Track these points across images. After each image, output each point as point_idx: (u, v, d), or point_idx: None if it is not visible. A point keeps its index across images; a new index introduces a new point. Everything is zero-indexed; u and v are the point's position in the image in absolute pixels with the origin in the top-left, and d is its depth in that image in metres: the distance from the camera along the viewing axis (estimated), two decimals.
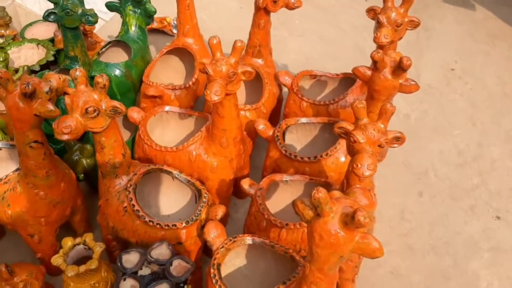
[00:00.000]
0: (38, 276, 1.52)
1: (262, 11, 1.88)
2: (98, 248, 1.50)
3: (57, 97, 1.38)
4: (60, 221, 1.62)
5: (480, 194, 2.09)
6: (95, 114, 1.34)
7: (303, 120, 1.83)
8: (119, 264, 1.41)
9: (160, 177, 1.66)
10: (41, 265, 1.60)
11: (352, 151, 1.31)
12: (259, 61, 2.02)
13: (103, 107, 1.36)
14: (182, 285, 1.37)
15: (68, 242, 1.50)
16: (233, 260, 1.46)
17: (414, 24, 1.70)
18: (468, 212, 2.03)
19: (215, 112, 1.58)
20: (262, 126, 1.80)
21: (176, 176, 1.62)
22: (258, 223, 1.55)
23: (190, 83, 2.01)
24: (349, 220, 0.98)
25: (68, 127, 1.30)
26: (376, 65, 1.50)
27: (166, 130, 1.87)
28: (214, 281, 1.32)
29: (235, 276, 1.47)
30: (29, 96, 1.28)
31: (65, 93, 1.38)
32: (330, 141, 1.79)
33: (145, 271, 1.41)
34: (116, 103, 1.36)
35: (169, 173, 1.63)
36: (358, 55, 2.74)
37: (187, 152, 1.70)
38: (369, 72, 1.53)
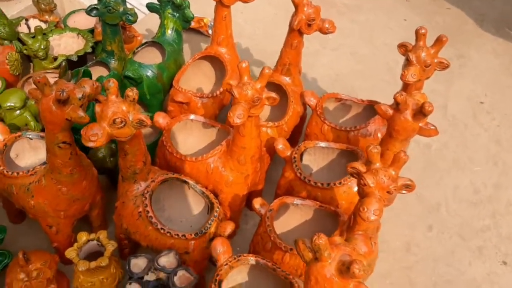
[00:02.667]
0: (52, 265, 1.62)
1: (295, 32, 1.91)
2: (110, 247, 1.58)
3: (88, 102, 1.46)
4: (78, 216, 1.71)
5: (490, 236, 2.10)
6: (122, 125, 1.41)
7: (322, 144, 1.86)
8: (127, 267, 1.49)
9: (177, 184, 1.73)
10: (55, 254, 1.69)
11: (361, 193, 1.35)
12: (287, 79, 2.06)
13: (130, 119, 1.42)
14: None
15: (83, 237, 1.59)
16: (235, 276, 1.52)
17: (444, 66, 1.71)
18: (475, 253, 2.04)
19: (236, 130, 1.63)
20: (281, 146, 1.85)
21: (192, 186, 1.69)
22: (264, 243, 1.60)
23: (218, 92, 2.06)
24: (345, 270, 1.03)
25: (95, 135, 1.37)
26: (398, 106, 1.53)
27: (189, 137, 1.93)
28: None
29: None
30: (63, 102, 1.36)
31: (97, 100, 1.45)
32: (346, 169, 1.82)
33: (150, 276, 1.49)
34: (142, 117, 1.42)
35: (185, 182, 1.69)
36: (388, 75, 2.74)
37: (205, 164, 1.76)
38: (390, 111, 1.55)
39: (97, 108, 1.42)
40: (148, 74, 2.10)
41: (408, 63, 1.70)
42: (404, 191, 1.37)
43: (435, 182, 2.27)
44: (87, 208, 1.71)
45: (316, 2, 1.90)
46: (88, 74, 1.93)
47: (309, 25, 1.87)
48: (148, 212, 1.58)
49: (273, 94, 1.54)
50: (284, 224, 1.72)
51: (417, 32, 1.70)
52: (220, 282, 1.42)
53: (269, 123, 1.95)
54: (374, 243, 1.33)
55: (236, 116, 1.48)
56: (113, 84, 1.41)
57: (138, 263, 1.51)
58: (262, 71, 1.52)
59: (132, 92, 1.41)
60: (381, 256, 1.89)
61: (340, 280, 1.05)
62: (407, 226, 2.10)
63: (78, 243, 1.58)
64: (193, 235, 1.56)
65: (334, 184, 1.73)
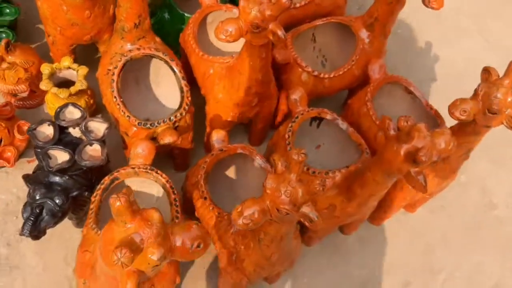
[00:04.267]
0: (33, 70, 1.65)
1: None
2: (82, 70, 1.58)
3: None
4: (76, 41, 1.66)
5: None
6: None
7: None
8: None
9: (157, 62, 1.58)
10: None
11: None
12: (365, 34, 1.67)
13: None
14: None
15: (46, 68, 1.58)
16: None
17: None
18: None
19: (241, 51, 1.38)
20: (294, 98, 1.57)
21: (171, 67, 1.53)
22: None
23: None
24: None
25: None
26: (398, 132, 1.14)
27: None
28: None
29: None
30: None
31: None
32: None
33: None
34: None
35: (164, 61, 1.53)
36: None
37: (208, 65, 1.56)
38: (391, 132, 1.16)
39: None
40: None
41: (473, 95, 1.23)
42: None
43: None
44: (87, 39, 1.66)
45: None
46: None
47: None
48: None
49: (281, 33, 1.22)
50: None
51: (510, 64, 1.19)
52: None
53: (307, 67, 1.64)
54: None
55: (223, 30, 1.22)
56: None
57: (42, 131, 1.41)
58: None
59: None
60: None
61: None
62: None
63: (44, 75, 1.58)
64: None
65: None
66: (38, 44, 1.90)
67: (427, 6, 1.44)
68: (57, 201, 1.35)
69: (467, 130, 1.29)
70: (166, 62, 1.52)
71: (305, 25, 1.75)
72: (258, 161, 1.45)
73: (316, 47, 1.84)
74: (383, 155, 1.17)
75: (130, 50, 1.49)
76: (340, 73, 1.67)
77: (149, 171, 1.34)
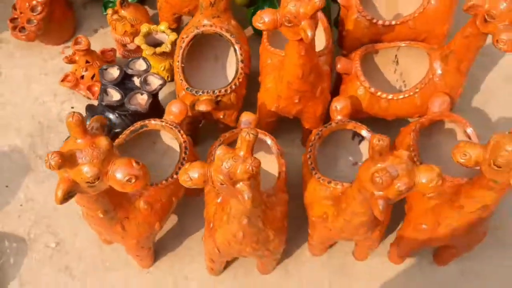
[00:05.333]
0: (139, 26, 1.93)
1: (472, 21, 1.39)
2: (172, 36, 1.80)
3: None
4: (177, 11, 1.90)
5: None
6: None
7: None
8: (100, 78, 1.64)
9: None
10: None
11: None
12: (439, 66, 1.57)
13: None
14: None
15: (144, 27, 1.82)
16: None
17: None
18: None
19: (286, 46, 1.45)
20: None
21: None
22: None
23: None
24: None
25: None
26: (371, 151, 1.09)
27: None
28: None
29: None
30: None
31: None
32: None
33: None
34: None
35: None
36: None
37: (269, 55, 1.65)
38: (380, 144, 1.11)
39: None
40: None
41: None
42: None
43: None
44: (185, 11, 1.87)
45: None
46: None
47: (486, 20, 1.32)
48: None
49: (309, 32, 1.24)
50: None
51: None
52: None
53: (364, 82, 1.61)
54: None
55: (260, 17, 1.30)
56: None
57: (110, 72, 1.64)
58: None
59: None
60: None
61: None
62: None
63: (142, 33, 1.82)
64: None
65: None
66: (153, 7, 2.16)
67: (495, 47, 1.32)
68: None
69: (478, 183, 1.17)
70: (232, 43, 1.65)
71: (387, 43, 1.71)
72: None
73: (398, 70, 1.78)
74: (359, 171, 1.13)
75: (204, 25, 1.66)
76: (400, 97, 1.61)
77: (173, 128, 1.49)
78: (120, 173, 1.03)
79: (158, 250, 1.67)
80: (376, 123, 1.70)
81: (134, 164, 1.04)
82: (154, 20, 2.06)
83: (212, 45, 1.77)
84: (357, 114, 1.68)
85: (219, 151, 1.06)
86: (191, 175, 1.06)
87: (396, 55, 1.74)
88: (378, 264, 1.64)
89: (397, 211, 1.56)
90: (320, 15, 1.71)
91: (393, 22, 1.74)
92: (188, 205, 1.70)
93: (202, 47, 1.76)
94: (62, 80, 1.91)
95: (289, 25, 1.28)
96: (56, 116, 1.92)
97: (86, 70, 1.87)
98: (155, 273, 1.64)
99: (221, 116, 1.66)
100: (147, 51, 1.80)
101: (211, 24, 1.66)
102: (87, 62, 1.85)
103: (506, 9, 1.28)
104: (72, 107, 1.93)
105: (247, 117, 1.55)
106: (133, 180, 1.03)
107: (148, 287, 1.61)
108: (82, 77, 1.88)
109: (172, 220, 1.72)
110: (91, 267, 1.64)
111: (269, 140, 1.52)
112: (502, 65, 2.05)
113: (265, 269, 1.59)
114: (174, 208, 1.51)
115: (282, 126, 1.81)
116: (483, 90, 2.00)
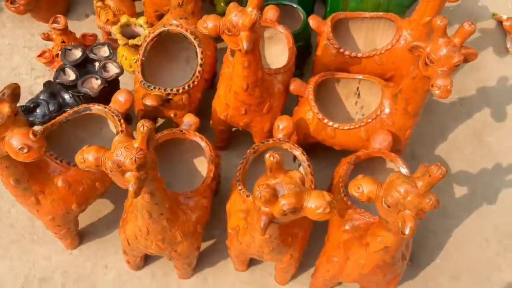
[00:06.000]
0: None
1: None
2: (147, 31, 1.83)
3: None
4: (158, 8, 1.94)
5: None
6: None
7: None
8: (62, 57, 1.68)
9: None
10: None
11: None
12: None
13: None
14: None
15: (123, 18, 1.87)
16: None
17: None
18: None
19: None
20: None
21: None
22: None
23: None
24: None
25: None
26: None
27: None
28: None
29: None
30: None
31: None
32: None
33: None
34: None
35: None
36: None
37: (227, 65, 1.67)
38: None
39: None
40: None
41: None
42: None
43: None
44: (166, 10, 1.89)
45: None
46: None
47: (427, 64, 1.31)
48: None
49: (245, 44, 1.26)
50: None
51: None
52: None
53: (314, 107, 1.60)
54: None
55: (204, 22, 1.34)
56: None
57: (74, 53, 1.68)
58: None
59: None
60: None
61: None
62: None
63: (119, 23, 1.87)
64: None
65: None
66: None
67: (434, 93, 1.30)
68: (51, 107, 1.63)
69: (380, 222, 1.15)
70: (194, 46, 1.68)
71: (347, 73, 1.71)
72: None
73: (359, 103, 1.77)
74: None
75: (171, 24, 1.69)
76: (346, 128, 1.59)
77: (115, 116, 1.52)
78: (15, 141, 1.07)
79: (86, 235, 1.69)
80: (329, 151, 1.69)
81: (31, 135, 1.07)
82: (141, 15, 2.11)
83: (184, 47, 1.80)
84: (307, 138, 1.68)
85: (117, 138, 1.08)
86: (85, 157, 1.08)
87: (358, 88, 1.73)
88: None
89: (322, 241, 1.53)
90: (286, 33, 1.72)
91: (359, 55, 1.74)
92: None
93: (175, 47, 1.79)
94: (39, 55, 1.97)
95: (229, 33, 1.30)
96: (27, 89, 1.97)
97: (61, 49, 1.92)
98: (77, 256, 1.65)
99: (172, 115, 1.68)
100: (120, 41, 1.85)
101: (177, 24, 1.69)
102: (63, 41, 1.90)
103: (445, 55, 1.27)
104: None
105: (188, 119, 1.57)
106: (25, 150, 1.06)
107: (66, 267, 1.63)
108: (57, 55, 1.94)
109: (108, 207, 1.74)
110: (19, 237, 1.67)
111: (203, 144, 1.52)
112: (476, 119, 2.01)
113: (181, 273, 1.59)
114: (101, 195, 1.53)
115: (246, 137, 1.81)
116: (450, 140, 1.96)
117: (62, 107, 1.65)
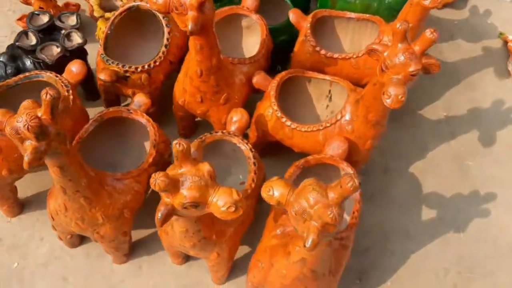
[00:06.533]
0: None
1: None
2: None
3: None
4: None
5: None
6: None
7: None
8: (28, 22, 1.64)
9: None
10: None
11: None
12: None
13: None
14: None
15: None
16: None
17: None
18: None
19: None
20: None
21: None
22: None
23: None
24: None
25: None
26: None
27: None
28: None
29: None
30: None
31: None
32: None
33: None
34: None
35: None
36: None
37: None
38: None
39: None
40: None
41: None
42: None
43: None
44: None
45: None
46: None
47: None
48: None
49: (190, 25, 1.19)
50: None
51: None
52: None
53: (274, 104, 1.51)
54: None
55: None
56: None
57: (41, 18, 1.64)
58: None
59: None
60: None
61: None
62: None
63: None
64: None
65: None
66: None
67: (384, 101, 1.20)
68: (8, 70, 1.60)
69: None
70: (161, 24, 1.61)
71: (317, 73, 1.61)
72: None
73: (330, 107, 1.67)
74: None
75: (141, 0, 1.63)
76: (303, 129, 1.50)
77: (64, 86, 1.47)
78: None
79: (29, 205, 1.65)
80: (293, 153, 1.60)
81: None
82: None
83: (155, 25, 1.73)
84: (265, 136, 1.59)
85: (23, 103, 1.03)
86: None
87: (330, 91, 1.63)
88: None
89: None
90: (261, 23, 1.64)
91: (335, 56, 1.64)
92: None
93: (146, 25, 1.73)
94: (19, 19, 1.94)
95: (177, 12, 1.23)
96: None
97: None
98: (15, 224, 1.62)
99: (130, 93, 1.62)
100: (95, 12, 1.80)
101: (146, 2, 1.63)
102: (40, 7, 1.87)
103: (401, 62, 1.16)
104: None
105: (139, 99, 1.50)
106: None
107: (1, 234, 1.59)
108: None
109: None
110: None
111: (149, 127, 1.46)
112: (460, 140, 1.87)
113: (113, 257, 1.53)
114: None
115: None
116: (428, 158, 1.83)
117: (20, 71, 1.61)
